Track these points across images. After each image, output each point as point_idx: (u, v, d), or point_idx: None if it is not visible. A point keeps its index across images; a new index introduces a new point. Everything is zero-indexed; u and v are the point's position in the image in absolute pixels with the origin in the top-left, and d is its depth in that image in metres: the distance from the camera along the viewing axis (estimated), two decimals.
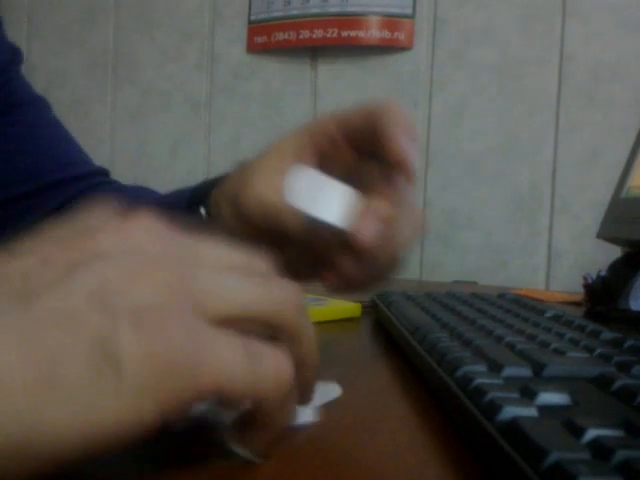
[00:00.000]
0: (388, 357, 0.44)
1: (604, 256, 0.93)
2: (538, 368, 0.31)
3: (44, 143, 0.58)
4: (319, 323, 0.56)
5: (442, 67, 1.22)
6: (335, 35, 1.24)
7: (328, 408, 0.31)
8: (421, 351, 0.38)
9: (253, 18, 1.34)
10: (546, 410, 0.25)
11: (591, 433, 0.22)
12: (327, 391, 0.33)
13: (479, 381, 0.29)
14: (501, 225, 1.17)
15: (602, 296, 0.62)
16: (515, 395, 0.27)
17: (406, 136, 0.37)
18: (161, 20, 1.44)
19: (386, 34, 1.22)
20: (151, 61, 1.45)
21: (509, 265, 1.17)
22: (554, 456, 0.20)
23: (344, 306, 0.61)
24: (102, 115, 1.49)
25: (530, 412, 0.25)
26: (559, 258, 1.13)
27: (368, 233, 0.36)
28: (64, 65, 1.38)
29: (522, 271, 1.15)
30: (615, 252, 0.73)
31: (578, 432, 0.22)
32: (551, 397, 0.27)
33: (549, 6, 1.15)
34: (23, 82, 0.62)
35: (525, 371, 0.31)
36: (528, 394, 0.27)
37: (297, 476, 0.24)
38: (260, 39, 1.33)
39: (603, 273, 0.65)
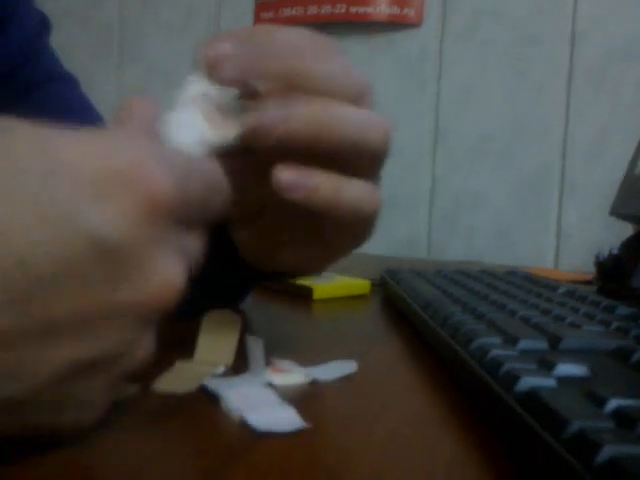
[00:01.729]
0: (399, 333, 0.44)
1: (614, 236, 0.92)
2: (554, 341, 0.31)
3: (76, 123, 0.56)
4: (327, 300, 0.56)
5: (451, 45, 1.20)
6: (343, 11, 1.22)
7: (345, 382, 0.31)
8: (433, 325, 0.38)
9: None
10: (565, 381, 0.25)
11: (613, 403, 0.22)
12: (343, 366, 0.33)
13: (495, 352, 0.28)
14: (509, 205, 1.16)
15: (614, 274, 0.62)
16: (532, 366, 0.26)
17: None
18: None
19: (395, 10, 1.20)
20: (156, 39, 1.44)
21: (517, 245, 1.16)
22: (577, 424, 0.20)
23: (352, 283, 0.60)
24: (107, 93, 1.47)
25: (549, 382, 0.24)
26: (568, 238, 1.13)
27: (268, 122, 0.27)
28: (69, 43, 1.37)
29: (531, 251, 1.15)
30: (625, 232, 0.73)
31: (600, 402, 0.22)
32: (569, 368, 0.26)
33: None
34: (52, 55, 0.60)
35: (541, 344, 0.31)
36: (546, 365, 0.27)
37: (313, 446, 0.23)
38: (267, 15, 1.31)
39: (615, 251, 0.64)
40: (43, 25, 0.58)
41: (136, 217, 0.19)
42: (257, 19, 1.33)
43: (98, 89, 1.44)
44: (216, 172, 0.24)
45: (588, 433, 0.19)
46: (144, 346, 0.22)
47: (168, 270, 0.21)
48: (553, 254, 1.14)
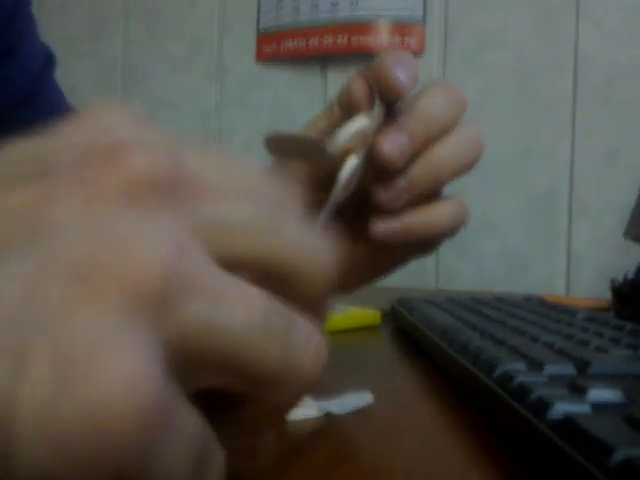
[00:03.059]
0: (415, 362, 0.42)
1: (625, 260, 0.91)
2: (582, 366, 0.29)
3: None
4: (338, 331, 0.54)
5: (454, 71, 1.20)
6: (345, 42, 1.23)
7: (361, 415, 0.29)
8: (452, 353, 0.36)
9: (262, 27, 1.33)
10: (600, 407, 0.23)
11: None
12: (359, 398, 0.31)
13: (522, 379, 0.27)
14: (518, 230, 1.15)
15: (632, 299, 0.60)
16: (564, 392, 0.25)
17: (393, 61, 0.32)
18: (170, 31, 1.44)
19: (397, 39, 1.21)
20: (160, 73, 1.45)
21: (528, 271, 1.14)
22: (622, 452, 0.18)
23: (363, 314, 0.59)
24: None
25: (584, 409, 0.23)
26: (579, 263, 1.11)
27: (390, 143, 0.30)
28: (73, 78, 1.38)
29: (541, 277, 1.13)
30: (637, 255, 0.71)
31: None
32: (603, 394, 0.25)
33: (562, 8, 1.13)
34: (57, 90, 0.59)
35: (569, 369, 0.29)
36: (577, 391, 0.25)
37: None
38: (269, 48, 1.32)
39: (631, 275, 0.63)
40: (48, 59, 0.58)
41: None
42: (259, 51, 1.34)
43: None
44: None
45: (635, 461, 0.17)
46: None
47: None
48: (564, 279, 1.13)
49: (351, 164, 0.29)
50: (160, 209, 0.14)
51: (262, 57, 1.33)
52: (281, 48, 1.31)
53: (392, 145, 0.30)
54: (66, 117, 0.16)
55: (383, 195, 0.32)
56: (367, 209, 0.33)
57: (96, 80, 1.49)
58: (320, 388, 0.32)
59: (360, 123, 0.29)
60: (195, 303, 0.13)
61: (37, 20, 0.58)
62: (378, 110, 0.31)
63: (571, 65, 1.13)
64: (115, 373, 0.11)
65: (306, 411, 0.29)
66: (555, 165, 1.13)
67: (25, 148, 0.15)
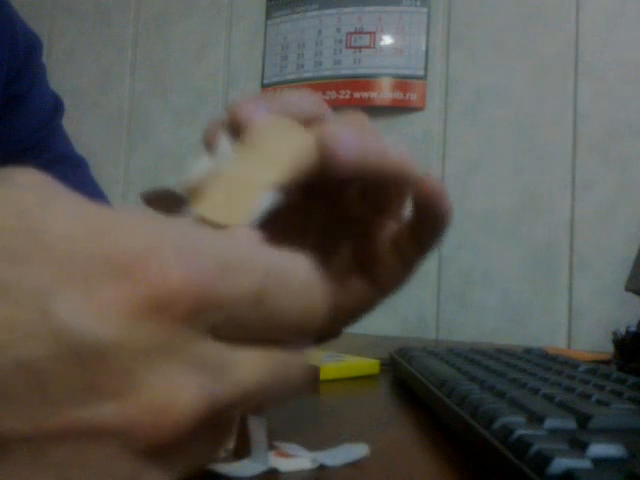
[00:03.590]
0: (413, 414, 0.41)
1: (627, 313, 0.90)
2: (583, 419, 0.29)
3: None
4: (334, 380, 0.53)
5: (455, 126, 1.22)
6: (348, 96, 1.25)
7: (356, 468, 0.28)
8: (450, 404, 0.35)
9: (266, 81, 1.36)
10: (601, 462, 0.23)
11: None
12: (354, 450, 0.30)
13: (521, 432, 0.26)
14: (519, 283, 1.15)
15: (634, 351, 0.59)
16: (564, 446, 0.24)
17: None
18: (176, 84, 1.47)
19: (398, 95, 1.23)
20: (165, 124, 1.47)
21: (528, 324, 1.13)
22: None
23: (361, 363, 0.58)
24: (115, 177, 1.50)
25: (584, 464, 0.22)
26: (580, 316, 1.10)
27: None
28: (80, 128, 1.40)
29: (542, 330, 1.12)
30: (638, 308, 0.71)
31: None
32: (604, 449, 0.24)
33: (561, 64, 1.15)
34: (63, 137, 0.60)
35: (569, 423, 0.28)
36: (578, 446, 0.24)
37: None
38: None
39: (633, 329, 0.62)
40: (57, 107, 0.59)
41: (129, 314, 0.14)
42: None
43: (107, 173, 1.46)
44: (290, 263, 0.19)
45: None
46: None
47: (170, 388, 0.15)
48: (566, 332, 1.11)
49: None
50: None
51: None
52: None
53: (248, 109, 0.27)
54: None
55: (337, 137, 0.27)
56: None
57: (102, 131, 1.52)
58: (315, 439, 0.31)
59: (199, 165, 0.27)
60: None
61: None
62: (226, 145, 0.28)
63: (570, 120, 1.14)
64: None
65: (299, 462, 0.28)
66: (555, 218, 1.14)
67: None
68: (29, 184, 0.16)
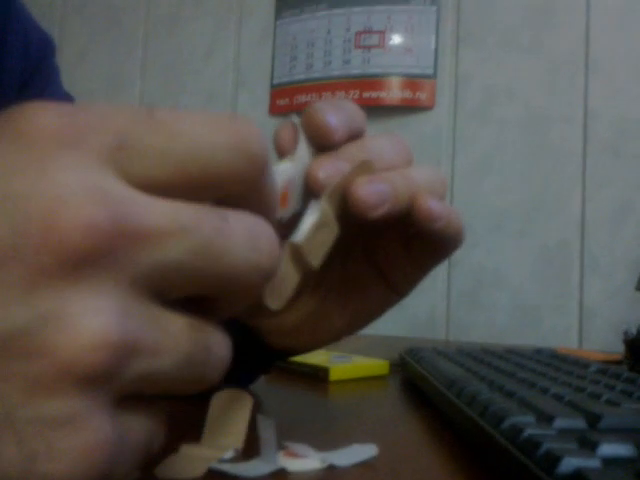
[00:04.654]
0: (422, 414, 0.41)
1: (638, 314, 0.89)
2: (593, 419, 0.28)
3: None
4: (344, 381, 0.53)
5: (465, 125, 1.22)
6: (357, 96, 1.25)
7: (365, 468, 0.28)
8: (460, 404, 0.35)
9: (276, 81, 1.36)
10: (611, 462, 0.22)
11: None
12: (363, 450, 0.30)
13: (530, 432, 0.26)
14: (530, 283, 1.14)
15: None
16: (574, 446, 0.24)
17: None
18: (186, 84, 1.47)
19: (408, 94, 1.23)
20: None
21: (539, 324, 1.12)
22: None
23: (371, 364, 0.58)
24: None
25: (594, 463, 0.22)
26: (591, 317, 1.09)
27: (323, 168, 0.27)
28: None
29: (553, 330, 1.11)
30: None
31: None
32: (614, 448, 0.24)
33: (571, 62, 1.15)
34: (55, 82, 0.58)
35: (579, 422, 0.28)
36: (588, 445, 0.24)
37: None
38: (282, 101, 1.35)
39: None
40: (46, 45, 0.56)
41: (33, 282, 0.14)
42: (273, 105, 1.37)
43: None
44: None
45: None
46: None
47: (87, 312, 0.14)
48: (577, 333, 1.11)
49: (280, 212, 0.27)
50: (100, 277, 0.14)
51: (275, 111, 1.36)
52: (294, 102, 1.33)
53: (326, 170, 0.28)
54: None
55: (363, 195, 0.27)
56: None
57: None
58: (323, 439, 0.31)
59: (280, 168, 0.28)
60: (139, 361, 0.15)
61: None
62: (304, 152, 0.29)
63: (581, 118, 1.14)
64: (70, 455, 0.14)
65: (308, 462, 0.28)
66: (566, 218, 1.13)
67: None
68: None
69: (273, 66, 1.37)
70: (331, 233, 0.27)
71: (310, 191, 0.28)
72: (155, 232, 0.15)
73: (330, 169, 0.28)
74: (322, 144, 0.29)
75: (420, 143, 1.24)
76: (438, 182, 0.31)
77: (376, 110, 1.25)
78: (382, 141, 0.31)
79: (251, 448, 0.29)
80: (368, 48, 1.26)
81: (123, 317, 0.14)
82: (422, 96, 1.23)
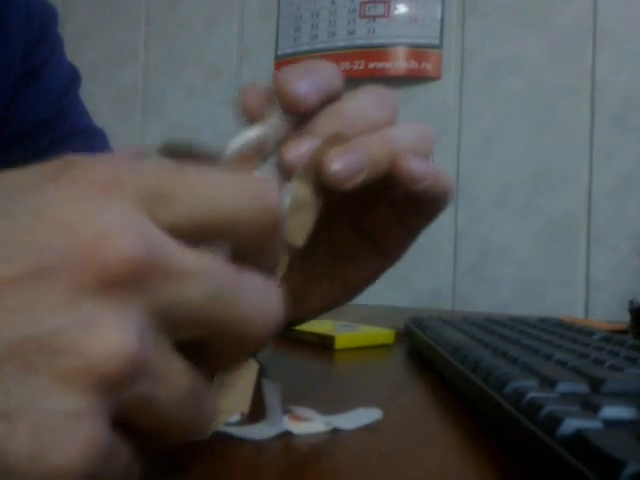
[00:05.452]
0: (427, 380, 0.41)
1: None
2: (596, 383, 0.29)
3: None
4: (349, 349, 0.54)
5: (471, 97, 1.21)
6: (362, 67, 1.24)
7: (369, 431, 0.29)
8: (463, 370, 0.35)
9: (280, 53, 1.35)
10: (612, 424, 0.23)
11: None
12: (367, 414, 0.30)
13: (533, 395, 0.26)
14: (535, 256, 1.14)
15: None
16: (576, 408, 0.24)
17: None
18: (189, 58, 1.46)
19: (413, 65, 1.22)
20: (178, 99, 1.47)
21: (545, 297, 1.12)
22: (633, 467, 0.17)
23: (377, 332, 0.58)
24: None
25: (595, 425, 0.22)
26: (597, 289, 1.09)
27: (292, 151, 0.28)
28: (94, 103, 1.40)
29: (559, 303, 1.11)
30: None
31: None
32: (616, 411, 0.24)
33: (579, 33, 1.13)
34: (82, 108, 0.60)
35: (582, 387, 0.28)
36: (590, 408, 0.24)
37: None
38: None
39: None
40: (74, 78, 0.59)
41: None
42: None
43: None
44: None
45: None
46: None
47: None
48: (583, 305, 1.11)
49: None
50: (128, 300, 0.16)
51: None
52: None
53: (295, 152, 0.27)
54: (49, 173, 0.18)
55: (335, 169, 0.27)
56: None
57: (116, 105, 1.52)
58: (328, 404, 0.31)
59: (251, 133, 0.28)
60: (143, 384, 0.16)
61: None
62: (277, 119, 0.28)
63: (588, 91, 1.12)
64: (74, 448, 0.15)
65: (313, 426, 0.29)
66: (572, 191, 1.13)
67: (14, 228, 0.16)
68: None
69: (277, 37, 1.36)
70: (309, 211, 0.27)
71: (283, 173, 0.28)
72: (179, 271, 0.17)
73: (300, 149, 0.27)
74: (293, 112, 0.28)
75: (426, 114, 1.23)
76: (423, 139, 0.31)
77: (382, 81, 1.23)
78: (361, 101, 0.30)
79: (257, 412, 0.29)
80: (373, 18, 1.24)
81: (139, 338, 0.16)
82: (428, 66, 1.22)
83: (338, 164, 0.27)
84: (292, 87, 0.28)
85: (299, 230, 0.27)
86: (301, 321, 0.39)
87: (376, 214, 0.34)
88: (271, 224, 0.19)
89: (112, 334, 0.16)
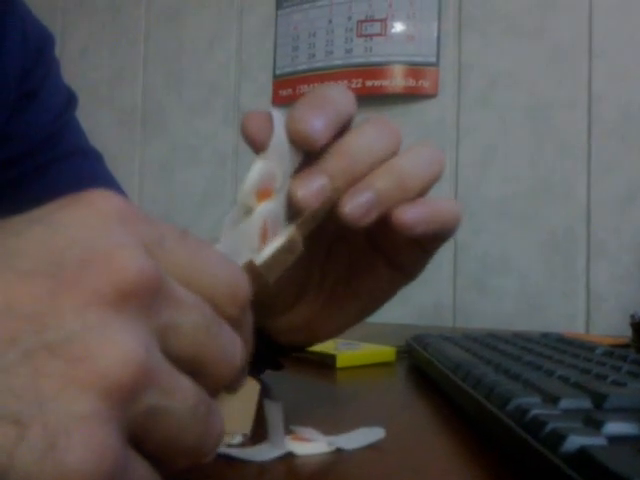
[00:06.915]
0: (429, 398, 0.41)
1: None
2: (599, 399, 0.29)
3: None
4: (351, 368, 0.53)
5: (469, 112, 1.21)
6: (360, 85, 1.24)
7: (372, 451, 0.29)
8: (465, 387, 0.35)
9: (278, 72, 1.36)
10: (616, 440, 0.23)
11: None
12: (370, 433, 0.30)
13: (536, 412, 0.26)
14: (536, 269, 1.14)
15: None
16: (579, 425, 0.24)
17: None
18: (188, 77, 1.47)
19: (411, 82, 1.22)
20: (179, 117, 1.48)
21: (546, 310, 1.12)
22: None
23: (377, 350, 0.58)
24: (131, 170, 1.50)
25: (599, 441, 0.22)
26: (599, 302, 1.09)
27: (304, 187, 0.28)
28: (94, 122, 1.41)
29: (560, 316, 1.11)
30: None
31: None
32: (620, 427, 0.24)
33: (575, 46, 1.14)
34: (77, 129, 0.60)
35: (585, 403, 0.28)
36: (593, 424, 0.24)
37: None
38: (285, 92, 1.34)
39: None
40: (70, 100, 0.59)
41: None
42: (275, 96, 1.36)
43: (123, 167, 1.47)
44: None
45: None
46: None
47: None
48: (584, 318, 1.11)
49: (261, 210, 0.27)
50: (138, 313, 0.17)
51: (278, 101, 1.36)
52: (297, 92, 1.33)
53: (307, 189, 0.28)
54: (68, 201, 0.19)
55: (349, 210, 0.28)
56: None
57: (116, 125, 1.53)
58: (331, 423, 0.31)
59: (257, 167, 0.28)
60: (152, 394, 0.17)
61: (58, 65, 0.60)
62: (285, 152, 0.28)
63: (585, 103, 1.13)
64: (85, 449, 0.15)
65: (316, 446, 0.28)
66: (572, 203, 1.13)
67: (35, 242, 0.18)
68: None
69: (275, 57, 1.37)
70: (292, 255, 0.28)
71: (293, 208, 0.28)
72: (179, 298, 0.19)
73: (311, 187, 0.28)
74: (307, 151, 0.29)
75: (424, 131, 1.23)
76: (428, 165, 0.32)
77: (379, 99, 1.24)
78: (368, 134, 0.31)
79: (259, 433, 0.29)
80: (370, 36, 1.25)
81: (147, 349, 0.17)
82: (425, 84, 1.23)
83: (351, 206, 0.29)
84: (306, 127, 0.28)
85: (275, 270, 0.27)
86: (321, 341, 0.40)
87: (391, 236, 0.34)
88: (239, 310, 0.22)
89: (122, 342, 0.16)
